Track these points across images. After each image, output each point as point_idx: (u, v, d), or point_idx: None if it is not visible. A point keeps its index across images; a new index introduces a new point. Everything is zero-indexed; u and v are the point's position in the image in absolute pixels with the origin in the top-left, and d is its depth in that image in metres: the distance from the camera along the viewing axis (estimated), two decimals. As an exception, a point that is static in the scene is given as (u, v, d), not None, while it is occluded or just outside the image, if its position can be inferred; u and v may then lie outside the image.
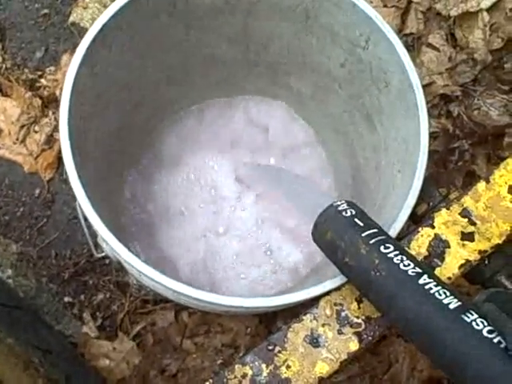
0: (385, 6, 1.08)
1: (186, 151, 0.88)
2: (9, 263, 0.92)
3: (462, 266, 0.58)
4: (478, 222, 0.59)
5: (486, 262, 0.60)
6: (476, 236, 0.59)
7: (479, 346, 0.43)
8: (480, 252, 0.58)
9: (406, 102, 0.65)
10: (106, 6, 0.65)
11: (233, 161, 0.88)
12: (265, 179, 0.84)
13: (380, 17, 0.65)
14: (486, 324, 0.44)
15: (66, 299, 0.93)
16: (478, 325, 0.43)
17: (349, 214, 0.53)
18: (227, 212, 0.85)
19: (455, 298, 0.46)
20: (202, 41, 0.79)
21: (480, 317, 0.44)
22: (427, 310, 0.46)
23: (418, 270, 0.48)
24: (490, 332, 0.43)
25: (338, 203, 0.55)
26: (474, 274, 0.60)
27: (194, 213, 0.85)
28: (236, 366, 0.54)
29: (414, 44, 1.07)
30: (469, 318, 0.44)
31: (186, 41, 0.78)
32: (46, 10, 1.08)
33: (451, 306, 0.45)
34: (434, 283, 0.47)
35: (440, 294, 0.46)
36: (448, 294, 0.46)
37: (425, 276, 0.47)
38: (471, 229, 0.59)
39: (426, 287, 0.46)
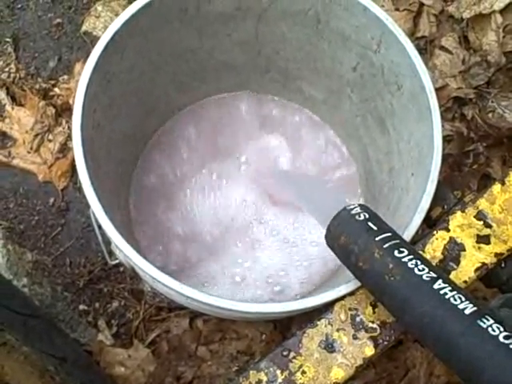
0: (397, 9, 1.07)
1: (199, 155, 0.87)
2: (24, 272, 0.92)
3: (477, 269, 0.57)
4: (493, 225, 0.59)
5: (503, 265, 0.59)
6: (492, 239, 0.58)
7: (495, 351, 0.42)
8: (496, 255, 0.57)
9: (418, 105, 0.65)
10: (118, 15, 0.66)
11: (247, 165, 0.87)
12: (279, 183, 0.83)
13: (391, 19, 0.65)
14: (502, 329, 0.43)
15: (81, 307, 0.93)
16: (494, 330, 0.43)
17: (362, 217, 0.53)
18: (244, 219, 0.85)
19: (471, 303, 0.45)
20: (214, 47, 0.79)
21: (496, 322, 0.44)
22: (442, 315, 0.45)
23: (432, 274, 0.47)
24: (506, 338, 0.42)
25: (351, 207, 0.54)
26: (490, 278, 0.60)
27: (207, 219, 0.84)
28: (251, 373, 0.54)
29: (426, 47, 1.07)
30: (485, 323, 0.43)
31: (197, 47, 0.78)
32: (58, 20, 1.09)
33: (467, 312, 0.44)
34: (450, 288, 0.46)
35: (455, 299, 0.45)
36: (463, 298, 0.45)
37: (440, 281, 0.47)
38: (487, 231, 0.59)
39: (441, 292, 0.46)
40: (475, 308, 0.45)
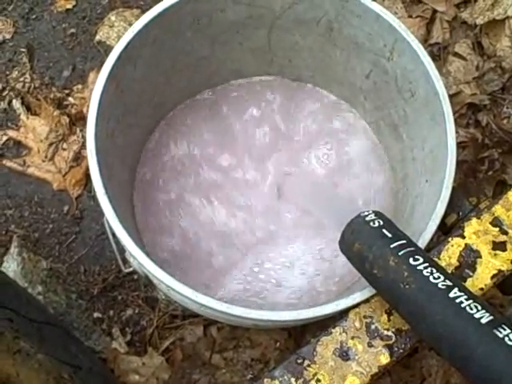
0: (410, 16, 1.07)
1: (214, 161, 0.86)
2: (39, 280, 0.92)
3: (494, 276, 0.56)
4: (509, 231, 0.58)
5: (519, 272, 0.58)
6: (508, 245, 0.58)
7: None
8: (513, 262, 0.57)
9: (432, 111, 0.65)
10: (131, 25, 0.66)
11: (268, 168, 0.86)
12: (291, 188, 0.82)
13: (404, 26, 0.65)
14: (518, 339, 0.43)
15: (96, 315, 0.93)
16: (510, 340, 0.42)
17: (376, 224, 0.52)
18: (262, 221, 0.83)
19: (487, 311, 0.45)
20: (226, 55, 0.79)
21: (513, 331, 0.43)
22: (458, 324, 0.45)
23: (448, 282, 0.47)
24: (523, 347, 0.42)
25: (366, 213, 0.54)
26: (507, 285, 0.59)
27: (223, 224, 0.82)
28: (265, 381, 0.53)
29: (440, 54, 1.06)
30: (501, 332, 0.43)
31: (210, 56, 0.78)
32: (72, 30, 1.10)
33: (483, 321, 0.44)
34: (465, 296, 0.46)
35: (471, 308, 0.45)
36: (480, 307, 0.45)
37: (455, 289, 0.46)
38: (503, 238, 0.58)
39: (457, 301, 0.45)
40: (492, 317, 0.44)
